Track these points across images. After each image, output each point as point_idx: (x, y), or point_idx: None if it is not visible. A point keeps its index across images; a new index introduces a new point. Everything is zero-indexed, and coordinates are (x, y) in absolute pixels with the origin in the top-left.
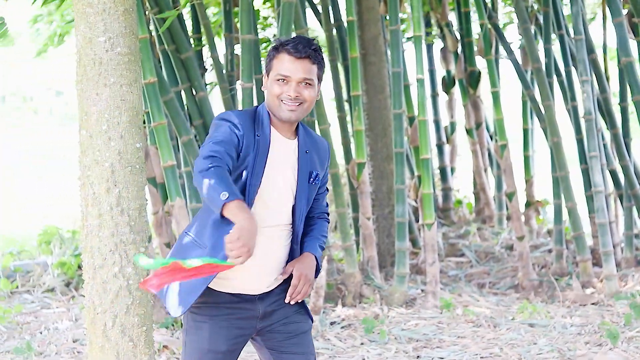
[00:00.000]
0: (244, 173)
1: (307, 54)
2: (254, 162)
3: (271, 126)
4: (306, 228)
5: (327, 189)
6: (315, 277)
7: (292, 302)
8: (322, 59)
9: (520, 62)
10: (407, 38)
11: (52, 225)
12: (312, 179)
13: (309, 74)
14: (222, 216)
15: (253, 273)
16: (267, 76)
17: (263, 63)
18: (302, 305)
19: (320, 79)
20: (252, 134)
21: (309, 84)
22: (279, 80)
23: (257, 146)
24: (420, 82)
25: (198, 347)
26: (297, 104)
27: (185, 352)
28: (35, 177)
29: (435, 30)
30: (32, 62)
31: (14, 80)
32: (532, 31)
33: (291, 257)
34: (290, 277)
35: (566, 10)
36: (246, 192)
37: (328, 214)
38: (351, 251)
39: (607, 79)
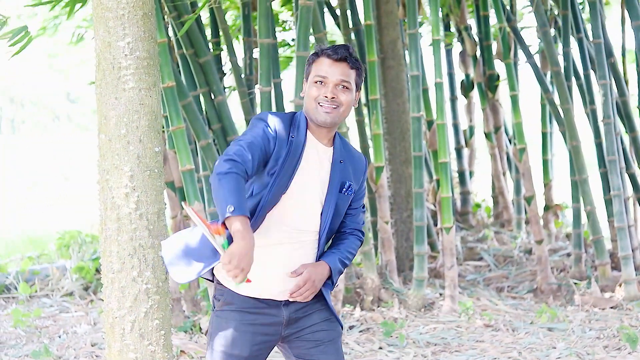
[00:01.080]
0: (275, 172)
1: (345, 56)
2: (284, 162)
3: (308, 131)
4: (335, 241)
5: (364, 206)
6: (329, 289)
7: (290, 300)
8: (361, 66)
9: (539, 65)
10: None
11: (71, 229)
12: (344, 189)
13: (347, 76)
14: (222, 223)
15: (278, 277)
16: (307, 81)
17: (281, 67)
18: (331, 312)
19: (358, 87)
20: (287, 135)
21: (346, 87)
22: (316, 82)
23: (289, 147)
24: (438, 85)
25: (221, 351)
26: (334, 106)
27: (210, 355)
28: (53, 181)
29: (454, 34)
30: (48, 68)
31: (32, 86)
32: (551, 35)
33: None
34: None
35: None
36: (272, 189)
37: (363, 233)
38: (369, 255)
39: (626, 82)
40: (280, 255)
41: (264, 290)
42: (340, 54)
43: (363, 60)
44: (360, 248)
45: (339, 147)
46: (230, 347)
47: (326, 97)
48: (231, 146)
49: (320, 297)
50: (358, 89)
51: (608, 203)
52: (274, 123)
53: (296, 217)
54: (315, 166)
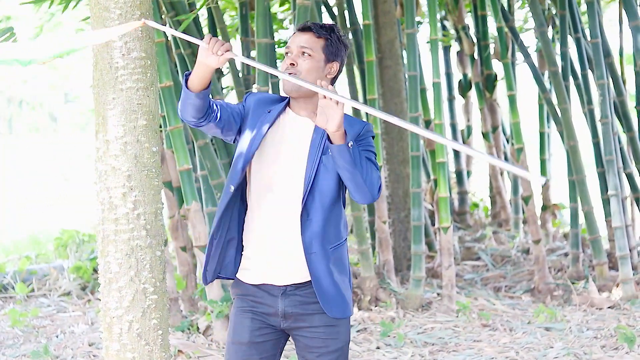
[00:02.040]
0: (248, 140)
1: (308, 26)
2: (254, 130)
3: (289, 107)
4: None
5: (373, 160)
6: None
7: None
8: (332, 35)
9: (537, 65)
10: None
11: (69, 228)
12: (329, 150)
13: (307, 44)
14: (191, 89)
15: (264, 256)
16: None
17: (279, 67)
18: (335, 319)
19: (331, 56)
20: (265, 110)
21: (307, 55)
22: (286, 54)
23: (258, 117)
24: (436, 85)
25: (227, 339)
26: (294, 73)
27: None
28: (53, 181)
29: (451, 34)
30: (47, 68)
31: (30, 86)
32: (549, 34)
33: (305, 242)
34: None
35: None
36: (245, 155)
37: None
38: (367, 255)
39: (624, 82)
40: (266, 232)
41: (260, 275)
42: (305, 24)
43: (361, 60)
44: (358, 248)
45: None
46: (232, 334)
47: (286, 63)
48: None
49: None
50: (332, 59)
51: (605, 203)
52: (253, 98)
53: (272, 194)
54: (292, 138)
